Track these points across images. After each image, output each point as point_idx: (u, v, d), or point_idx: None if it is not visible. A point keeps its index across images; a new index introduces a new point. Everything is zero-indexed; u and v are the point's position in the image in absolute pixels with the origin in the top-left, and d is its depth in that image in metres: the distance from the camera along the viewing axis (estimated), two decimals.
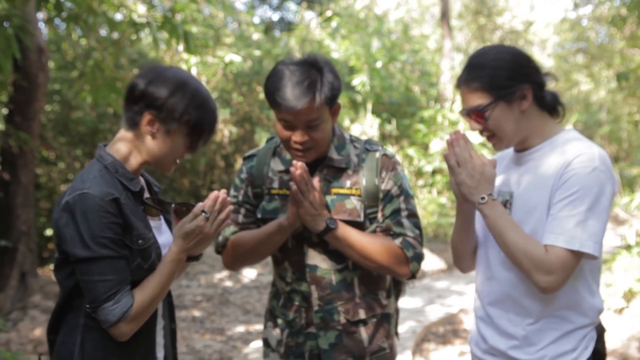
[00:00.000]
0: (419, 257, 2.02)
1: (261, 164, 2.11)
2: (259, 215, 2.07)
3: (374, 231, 2.04)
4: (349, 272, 2.05)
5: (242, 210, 2.13)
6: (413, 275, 2.04)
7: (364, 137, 2.23)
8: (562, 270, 1.67)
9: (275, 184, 2.07)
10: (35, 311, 5.74)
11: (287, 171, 2.04)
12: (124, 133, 1.70)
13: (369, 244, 1.97)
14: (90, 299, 1.57)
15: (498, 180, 1.89)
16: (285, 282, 2.11)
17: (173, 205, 1.73)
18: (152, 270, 1.65)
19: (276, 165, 2.09)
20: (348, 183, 2.04)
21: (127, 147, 1.69)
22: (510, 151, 1.97)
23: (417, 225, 2.04)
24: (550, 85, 1.89)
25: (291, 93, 1.84)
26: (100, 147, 1.70)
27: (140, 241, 1.62)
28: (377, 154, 2.05)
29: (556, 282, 1.68)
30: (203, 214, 1.63)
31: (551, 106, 1.85)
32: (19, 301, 5.96)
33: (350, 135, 2.13)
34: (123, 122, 1.70)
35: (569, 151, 1.75)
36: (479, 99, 1.77)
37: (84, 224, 1.53)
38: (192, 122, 1.66)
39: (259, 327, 5.87)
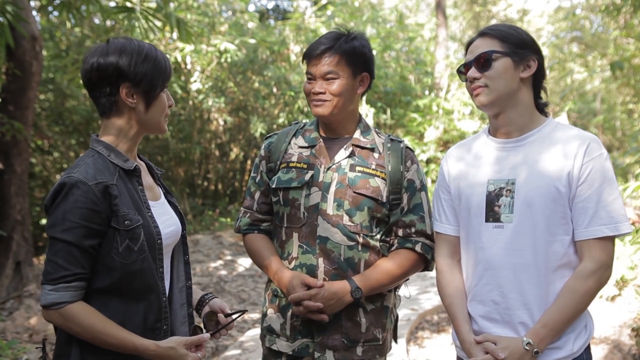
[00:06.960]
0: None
1: (280, 141, 2.25)
2: (273, 185, 2.17)
3: (396, 222, 2.14)
4: (357, 252, 2.10)
5: (257, 195, 2.25)
6: (427, 268, 2.20)
7: None
8: (612, 256, 1.78)
9: (294, 158, 2.19)
10: (30, 300, 5.74)
11: (308, 147, 2.19)
12: (105, 122, 1.74)
13: (393, 274, 2.10)
14: (42, 274, 1.64)
15: (489, 168, 1.91)
16: (288, 260, 2.13)
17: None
18: (144, 253, 1.65)
19: (299, 141, 2.23)
20: (373, 164, 2.14)
21: (114, 131, 1.73)
22: (479, 142, 1.99)
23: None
24: (545, 76, 1.93)
25: (315, 44, 2.13)
26: (93, 137, 1.75)
27: (126, 222, 1.63)
28: (402, 145, 2.21)
29: (611, 268, 1.79)
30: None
31: (541, 104, 1.93)
32: (14, 290, 5.97)
33: (374, 127, 2.26)
34: (100, 113, 1.73)
35: (573, 139, 1.80)
36: (491, 46, 1.85)
37: (60, 205, 1.58)
38: (161, 72, 1.70)
39: (254, 315, 5.89)
